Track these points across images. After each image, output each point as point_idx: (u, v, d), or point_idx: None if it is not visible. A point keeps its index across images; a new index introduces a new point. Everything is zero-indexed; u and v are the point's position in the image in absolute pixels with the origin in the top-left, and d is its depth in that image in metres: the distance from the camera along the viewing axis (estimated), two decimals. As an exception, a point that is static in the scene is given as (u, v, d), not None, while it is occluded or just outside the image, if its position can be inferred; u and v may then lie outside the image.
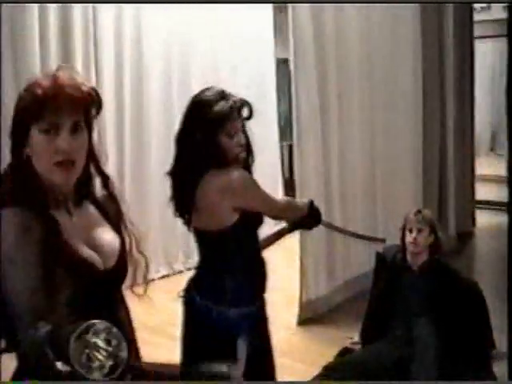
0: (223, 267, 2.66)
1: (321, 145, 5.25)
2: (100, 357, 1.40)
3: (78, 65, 5.45)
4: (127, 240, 1.95)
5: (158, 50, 6.30)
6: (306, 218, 2.99)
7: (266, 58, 7.88)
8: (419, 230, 4.22)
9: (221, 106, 2.57)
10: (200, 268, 2.75)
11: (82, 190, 1.87)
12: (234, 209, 2.57)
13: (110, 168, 5.52)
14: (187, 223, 2.70)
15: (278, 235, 3.14)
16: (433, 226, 4.29)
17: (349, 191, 5.56)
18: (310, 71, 5.15)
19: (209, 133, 2.57)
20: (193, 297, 2.67)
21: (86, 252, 1.78)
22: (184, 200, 2.61)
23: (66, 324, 1.47)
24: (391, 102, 5.98)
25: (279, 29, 7.53)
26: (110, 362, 1.41)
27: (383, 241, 3.73)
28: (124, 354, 1.43)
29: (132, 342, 2.05)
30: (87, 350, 1.39)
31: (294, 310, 5.22)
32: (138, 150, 6.19)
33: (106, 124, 5.81)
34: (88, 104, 1.77)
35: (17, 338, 1.59)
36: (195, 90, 2.77)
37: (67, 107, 1.71)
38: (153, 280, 6.01)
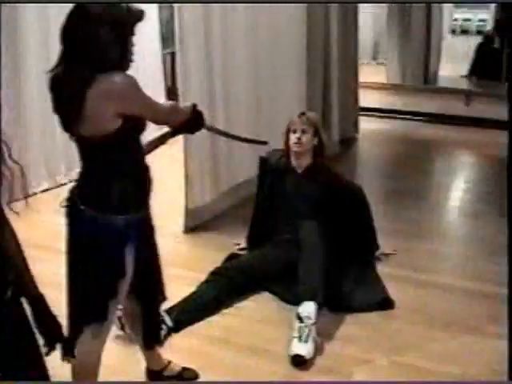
0: (107, 174, 2.57)
1: (203, 51, 5.10)
2: None
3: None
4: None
5: None
6: (188, 122, 2.93)
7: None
8: (303, 131, 4.23)
9: (124, 7, 2.47)
10: (83, 177, 2.64)
11: None
12: (117, 114, 2.46)
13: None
14: (70, 132, 2.56)
15: (162, 139, 3.09)
16: (317, 127, 4.31)
17: (232, 97, 5.46)
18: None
19: (112, 33, 2.44)
20: (77, 206, 2.56)
21: None
22: (72, 109, 2.44)
23: None
24: (275, 7, 5.85)
25: None
26: None
27: (265, 143, 3.70)
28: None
29: (23, 261, 2.00)
30: None
31: (180, 219, 5.18)
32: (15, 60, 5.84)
33: None
34: None
35: None
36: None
37: None
38: (35, 194, 5.83)
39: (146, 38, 7.17)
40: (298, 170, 4.34)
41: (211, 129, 3.39)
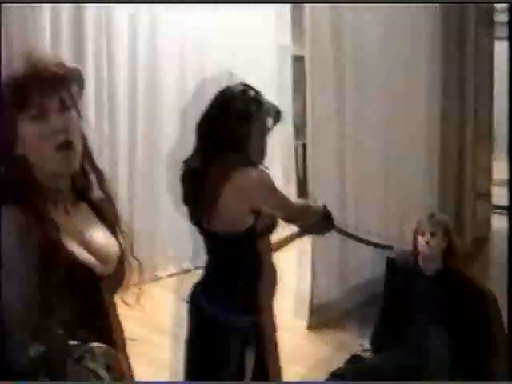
0: (234, 273, 2.58)
1: (335, 145, 5.14)
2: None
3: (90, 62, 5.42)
4: (122, 244, 1.85)
5: (173, 46, 6.22)
6: (318, 223, 2.91)
7: (283, 55, 7.74)
8: (432, 234, 4.10)
9: (268, 104, 2.57)
10: (208, 273, 2.66)
11: (78, 188, 1.77)
12: (251, 211, 2.49)
13: (121, 167, 5.59)
14: (199, 226, 2.61)
15: (289, 239, 3.08)
16: (447, 230, 4.17)
17: (363, 192, 5.45)
18: (326, 69, 5.05)
19: (252, 131, 2.52)
20: (200, 303, 2.58)
21: (85, 256, 1.68)
22: (206, 204, 2.50)
23: (60, 339, 1.39)
24: (408, 104, 5.84)
25: (295, 25, 7.39)
26: None
27: (390, 248, 3.63)
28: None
29: (124, 351, 1.96)
30: (85, 376, 1.32)
31: (304, 313, 5.12)
32: (149, 149, 6.09)
33: (120, 123, 5.75)
34: (70, 79, 1.67)
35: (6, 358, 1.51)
36: (210, 91, 2.68)
37: (50, 84, 1.62)
38: (161, 278, 5.95)
39: (279, 129, 7.27)
40: (427, 273, 4.21)
41: (339, 231, 3.36)
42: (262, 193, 2.52)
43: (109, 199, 1.85)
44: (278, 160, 7.24)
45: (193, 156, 2.58)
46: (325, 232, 3.04)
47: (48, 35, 5.05)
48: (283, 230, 3.10)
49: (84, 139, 1.73)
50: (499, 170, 9.20)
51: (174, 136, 5.95)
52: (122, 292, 1.89)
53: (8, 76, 1.63)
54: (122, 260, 1.82)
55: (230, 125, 2.48)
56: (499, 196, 8.29)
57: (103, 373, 1.34)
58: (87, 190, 1.81)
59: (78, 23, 5.37)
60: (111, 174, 4.26)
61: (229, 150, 2.49)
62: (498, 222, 8.01)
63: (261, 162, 2.59)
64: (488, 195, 7.91)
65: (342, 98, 5.19)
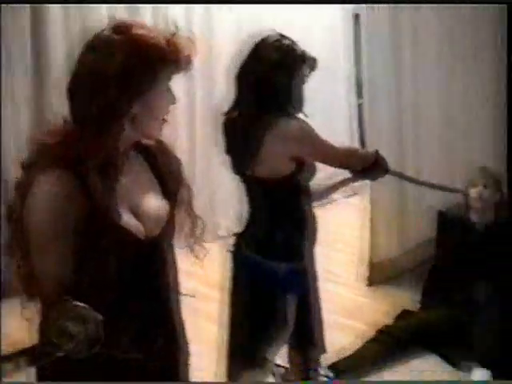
0: (275, 219, 2.63)
1: (393, 101, 5.07)
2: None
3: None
4: (184, 198, 1.88)
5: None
6: (371, 167, 2.86)
7: (340, 12, 7.62)
8: (484, 186, 4.04)
9: (303, 52, 2.58)
10: (250, 222, 2.71)
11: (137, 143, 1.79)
12: (292, 157, 2.54)
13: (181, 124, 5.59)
14: (242, 173, 2.66)
15: (342, 184, 3.09)
16: (499, 182, 4.10)
17: (422, 151, 5.34)
18: (382, 25, 4.96)
19: (287, 80, 2.54)
20: (242, 251, 2.63)
21: (131, 222, 1.71)
22: (250, 151, 2.55)
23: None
24: (471, 56, 5.66)
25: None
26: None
27: (458, 191, 3.57)
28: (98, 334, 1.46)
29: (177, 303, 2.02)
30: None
31: (364, 271, 5.11)
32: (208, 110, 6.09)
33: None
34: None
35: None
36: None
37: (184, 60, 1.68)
38: (223, 237, 5.98)
39: (336, 88, 7.24)
40: (479, 226, 4.13)
41: (397, 174, 3.26)
42: (302, 142, 2.55)
43: (164, 149, 1.87)
44: (339, 119, 7.18)
45: (233, 107, 2.62)
46: (378, 176, 2.95)
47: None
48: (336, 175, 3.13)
49: None
50: None
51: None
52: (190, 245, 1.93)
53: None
54: (171, 222, 1.84)
55: (267, 74, 2.52)
56: None
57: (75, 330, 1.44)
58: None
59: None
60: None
61: (267, 99, 2.52)
62: None
63: (300, 110, 2.62)
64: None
65: (399, 53, 5.09)
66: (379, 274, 5.12)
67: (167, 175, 1.85)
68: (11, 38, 4.76)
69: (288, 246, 2.63)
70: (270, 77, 2.52)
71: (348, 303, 4.31)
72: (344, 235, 5.75)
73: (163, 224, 1.80)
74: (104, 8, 5.10)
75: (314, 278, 2.87)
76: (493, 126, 5.98)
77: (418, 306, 4.46)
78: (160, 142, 1.85)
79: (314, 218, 2.73)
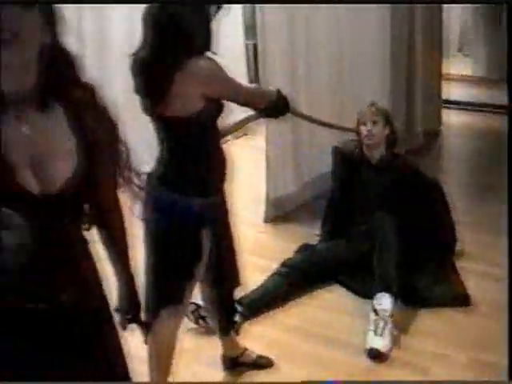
0: (186, 156, 2.67)
1: (285, 42, 5.12)
2: None
3: None
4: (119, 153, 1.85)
5: None
6: (273, 104, 2.95)
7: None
8: (374, 122, 4.19)
9: None
10: (161, 160, 2.73)
11: (50, 90, 1.65)
12: (202, 96, 2.56)
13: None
14: (153, 113, 2.66)
15: (245, 121, 3.22)
16: (387, 117, 4.26)
17: (315, 89, 5.46)
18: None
19: (196, 18, 2.56)
20: (155, 189, 2.65)
21: (25, 174, 1.60)
22: (160, 91, 2.55)
23: None
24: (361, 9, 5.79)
25: None
26: None
27: (352, 130, 3.70)
28: None
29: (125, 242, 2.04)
30: None
31: (261, 208, 5.23)
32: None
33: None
34: None
35: None
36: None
37: None
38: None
39: (229, 29, 7.18)
40: (372, 161, 4.30)
41: (296, 113, 3.37)
42: (212, 80, 2.58)
43: (95, 105, 1.76)
44: (229, 60, 7.14)
45: (141, 47, 2.61)
46: (280, 114, 3.05)
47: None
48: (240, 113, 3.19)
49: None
50: (450, 66, 9.36)
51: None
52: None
53: None
54: (80, 178, 1.69)
55: (173, 14, 2.52)
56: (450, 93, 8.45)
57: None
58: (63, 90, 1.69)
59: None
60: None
61: (175, 38, 2.52)
62: (448, 117, 8.18)
63: (209, 49, 2.63)
64: (439, 90, 7.99)
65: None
66: (277, 211, 5.27)
67: (91, 129, 1.72)
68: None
69: (200, 182, 2.68)
70: (177, 15, 2.52)
71: (248, 240, 4.40)
72: (239, 174, 5.81)
73: (67, 180, 1.67)
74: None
75: (227, 214, 2.94)
76: (381, 63, 6.20)
77: (318, 239, 4.61)
78: (91, 92, 1.74)
79: (223, 153, 2.78)
